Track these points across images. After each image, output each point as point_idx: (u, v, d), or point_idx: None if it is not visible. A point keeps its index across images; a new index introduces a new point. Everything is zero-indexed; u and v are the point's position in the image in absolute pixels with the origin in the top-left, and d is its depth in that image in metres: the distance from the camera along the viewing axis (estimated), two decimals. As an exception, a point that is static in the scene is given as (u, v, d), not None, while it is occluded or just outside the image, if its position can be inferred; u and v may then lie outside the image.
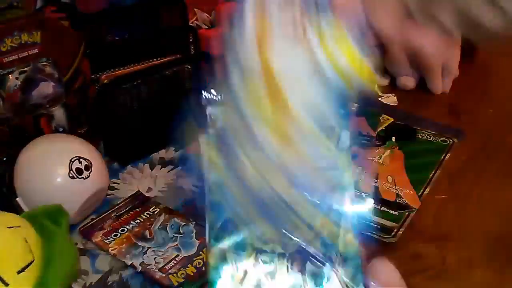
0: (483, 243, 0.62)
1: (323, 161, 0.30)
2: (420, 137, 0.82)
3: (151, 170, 0.76)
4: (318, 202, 0.29)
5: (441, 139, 0.81)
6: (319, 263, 0.27)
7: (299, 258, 0.28)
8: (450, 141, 0.81)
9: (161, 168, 0.76)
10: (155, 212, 0.66)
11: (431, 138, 0.81)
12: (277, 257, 0.28)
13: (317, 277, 0.27)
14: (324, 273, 0.27)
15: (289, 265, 0.27)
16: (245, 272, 0.27)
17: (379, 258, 0.27)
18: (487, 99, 0.94)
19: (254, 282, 0.27)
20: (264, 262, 0.27)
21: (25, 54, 0.66)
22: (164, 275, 0.56)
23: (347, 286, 0.27)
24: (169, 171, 0.75)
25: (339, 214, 0.28)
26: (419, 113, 0.86)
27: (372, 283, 0.26)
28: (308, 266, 0.27)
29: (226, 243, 0.28)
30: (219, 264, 0.27)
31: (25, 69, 0.67)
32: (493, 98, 0.95)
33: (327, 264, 0.27)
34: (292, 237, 0.28)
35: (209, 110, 0.30)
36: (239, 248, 0.28)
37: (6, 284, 0.46)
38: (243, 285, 0.27)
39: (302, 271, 0.27)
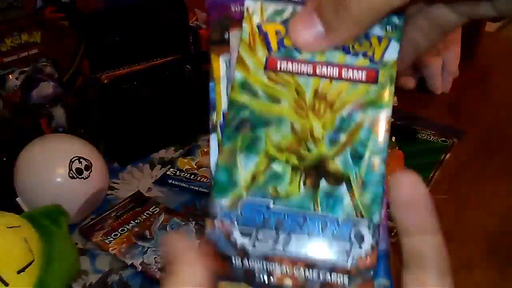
0: (483, 243, 0.62)
1: (357, 72, 0.26)
2: (420, 137, 0.82)
3: (151, 170, 0.76)
4: (345, 117, 0.25)
5: (441, 139, 0.81)
6: (334, 182, 0.25)
7: (314, 173, 0.25)
8: (450, 141, 0.81)
9: (161, 168, 0.76)
10: (155, 212, 0.66)
11: (431, 138, 0.81)
12: (290, 169, 0.25)
13: (329, 197, 0.24)
14: (338, 194, 0.25)
15: (302, 179, 0.25)
16: (253, 178, 0.25)
17: (403, 171, 0.24)
18: (487, 99, 0.94)
19: (261, 190, 0.25)
20: (276, 171, 0.25)
21: (25, 54, 0.66)
22: (164, 274, 0.56)
23: (361, 214, 0.24)
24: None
25: (368, 133, 0.25)
26: (419, 113, 0.86)
27: (393, 198, 0.24)
28: (322, 183, 0.25)
29: (238, 144, 0.25)
30: (228, 165, 0.25)
31: (25, 69, 0.67)
32: (493, 98, 0.95)
33: (343, 184, 0.25)
34: (311, 148, 0.25)
35: (247, 3, 0.27)
36: (252, 152, 0.25)
37: (6, 284, 0.46)
38: (249, 191, 0.25)
39: (315, 187, 0.25)
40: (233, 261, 0.24)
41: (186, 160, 0.77)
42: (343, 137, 0.25)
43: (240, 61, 0.26)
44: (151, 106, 0.77)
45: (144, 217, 0.65)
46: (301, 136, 0.25)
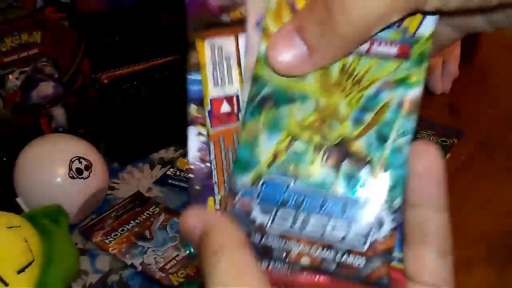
0: (483, 243, 0.62)
1: (388, 47, 0.24)
2: (420, 137, 0.82)
3: (151, 170, 0.76)
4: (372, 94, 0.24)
5: (441, 139, 0.81)
6: (357, 163, 0.24)
7: (337, 154, 0.24)
8: (450, 141, 0.81)
9: (161, 168, 0.76)
10: (155, 212, 0.66)
11: (431, 138, 0.81)
12: (313, 148, 0.24)
13: (351, 178, 0.24)
14: (360, 175, 0.24)
15: (324, 159, 0.24)
16: (275, 156, 0.24)
17: (425, 141, 0.24)
18: (487, 99, 0.94)
19: (282, 168, 0.24)
20: (298, 150, 0.24)
21: (25, 54, 0.66)
22: (164, 274, 0.56)
23: (382, 197, 0.24)
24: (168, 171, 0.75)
25: (395, 113, 0.24)
26: (419, 113, 0.86)
27: (412, 167, 0.23)
28: (345, 164, 0.24)
29: (261, 121, 0.25)
30: (250, 142, 0.25)
31: (25, 69, 0.67)
32: (493, 98, 0.95)
33: (366, 166, 0.24)
34: (335, 127, 0.24)
35: None
36: (274, 129, 0.25)
37: (6, 284, 0.46)
38: (270, 169, 0.24)
39: (336, 168, 0.24)
40: (252, 237, 0.24)
41: (186, 160, 0.77)
42: (368, 117, 0.24)
43: (266, 32, 0.25)
44: (151, 106, 0.77)
45: (144, 217, 0.65)
46: (325, 115, 0.25)
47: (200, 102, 0.27)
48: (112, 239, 0.62)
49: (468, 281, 0.57)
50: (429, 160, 0.24)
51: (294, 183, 0.24)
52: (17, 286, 0.46)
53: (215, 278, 0.21)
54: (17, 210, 0.59)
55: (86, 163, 0.63)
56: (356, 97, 0.25)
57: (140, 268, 0.58)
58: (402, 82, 0.24)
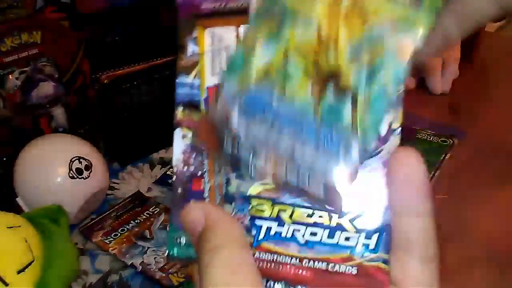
0: (483, 243, 0.62)
1: None
2: (420, 137, 0.82)
3: (151, 170, 0.76)
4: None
5: (441, 139, 0.81)
6: (341, 96, 0.24)
7: (324, 82, 0.25)
8: (450, 141, 0.81)
9: (161, 168, 0.76)
10: (155, 212, 0.66)
11: (431, 138, 0.81)
12: (303, 72, 0.25)
13: (331, 108, 0.24)
14: (341, 108, 0.24)
15: (310, 85, 0.25)
16: (266, 71, 0.25)
17: (405, 147, 0.24)
18: (487, 99, 0.94)
19: (270, 83, 0.25)
20: (288, 71, 0.25)
21: (25, 54, 0.66)
22: (164, 274, 0.56)
23: (356, 132, 0.24)
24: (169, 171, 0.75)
25: (392, 56, 0.24)
26: (419, 113, 0.86)
27: (390, 175, 0.24)
28: (329, 94, 0.25)
29: (262, 33, 0.25)
30: (247, 51, 0.26)
31: (25, 69, 0.67)
32: (493, 98, 0.95)
33: (349, 100, 0.24)
34: (330, 57, 0.25)
35: None
36: (272, 45, 0.25)
37: (6, 284, 0.46)
38: (258, 81, 0.25)
39: (320, 96, 0.25)
40: (225, 144, 0.25)
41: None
42: (365, 54, 0.25)
43: None
44: (151, 106, 0.77)
45: (144, 217, 0.65)
46: (324, 43, 0.25)
47: (187, 105, 0.27)
48: (112, 239, 0.62)
49: (468, 281, 0.57)
50: (409, 167, 0.24)
51: (276, 101, 0.25)
52: (17, 286, 0.46)
53: (208, 277, 0.21)
54: (17, 210, 0.59)
55: (86, 163, 0.63)
56: (359, 32, 0.25)
57: (140, 268, 0.58)
58: (407, 27, 0.25)
